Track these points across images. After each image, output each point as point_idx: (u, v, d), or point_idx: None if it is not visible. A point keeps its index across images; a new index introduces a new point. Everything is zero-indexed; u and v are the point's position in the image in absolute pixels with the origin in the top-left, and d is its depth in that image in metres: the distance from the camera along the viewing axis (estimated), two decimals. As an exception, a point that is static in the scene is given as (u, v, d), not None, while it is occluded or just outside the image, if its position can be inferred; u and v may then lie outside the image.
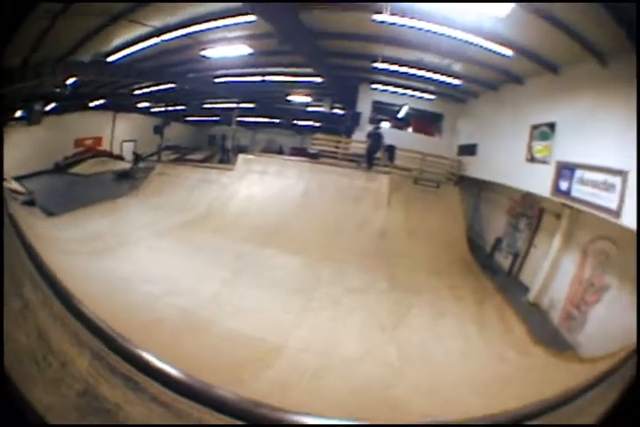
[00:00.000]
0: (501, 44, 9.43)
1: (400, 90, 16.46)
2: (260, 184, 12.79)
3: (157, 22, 10.70)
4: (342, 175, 13.09)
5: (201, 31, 11.06)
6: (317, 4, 9.12)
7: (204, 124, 25.93)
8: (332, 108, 20.31)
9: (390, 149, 14.91)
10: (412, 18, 8.86)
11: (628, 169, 7.21)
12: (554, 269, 10.21)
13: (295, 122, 24.36)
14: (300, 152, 19.07)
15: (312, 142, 17.04)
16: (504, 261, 12.94)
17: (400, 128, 18.47)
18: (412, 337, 7.44)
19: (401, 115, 19.28)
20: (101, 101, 18.84)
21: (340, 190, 12.56)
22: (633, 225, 6.86)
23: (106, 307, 3.20)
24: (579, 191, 8.74)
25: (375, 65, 13.01)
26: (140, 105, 21.05)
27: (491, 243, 13.94)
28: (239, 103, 21.00)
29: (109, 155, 19.46)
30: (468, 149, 15.33)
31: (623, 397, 1.32)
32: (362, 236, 11.50)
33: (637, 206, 2.55)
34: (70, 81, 14.41)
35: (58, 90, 14.59)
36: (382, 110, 18.75)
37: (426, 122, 18.60)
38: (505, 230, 13.67)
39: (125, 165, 18.21)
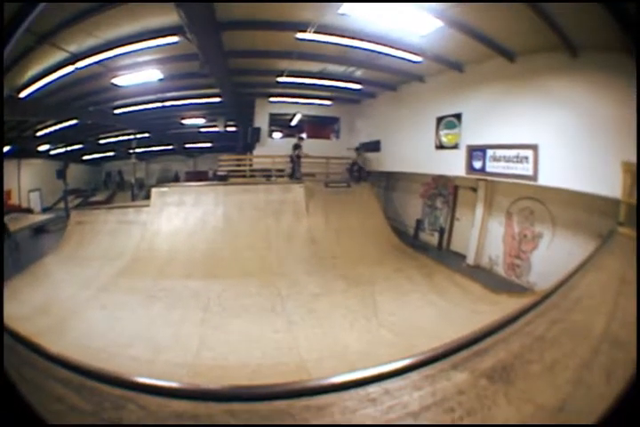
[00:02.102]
0: (412, 52, 10.19)
1: (297, 100, 17.03)
2: (180, 216, 12.40)
3: (75, 46, 9.99)
4: (256, 192, 13.21)
5: (119, 55, 10.59)
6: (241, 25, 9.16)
7: (99, 161, 24.70)
8: (227, 126, 20.43)
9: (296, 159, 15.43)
10: (333, 35, 9.33)
11: (537, 143, 9.14)
12: (483, 233, 12.12)
13: (186, 146, 23.97)
14: (197, 176, 19.02)
15: (219, 164, 16.86)
16: (431, 238, 14.76)
17: (293, 136, 18.72)
18: (392, 317, 8.28)
19: (294, 123, 19.90)
20: (8, 148, 17.16)
21: (259, 208, 12.71)
22: (550, 184, 8.92)
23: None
24: (492, 167, 10.55)
25: (280, 79, 13.44)
26: (41, 148, 19.42)
27: (413, 226, 15.60)
28: (136, 134, 20.11)
29: (18, 209, 17.74)
30: (372, 146, 16.50)
31: (623, 397, 1.32)
32: (295, 247, 11.88)
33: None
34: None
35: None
36: (276, 122, 19.12)
37: (319, 126, 19.49)
38: (423, 212, 15.53)
39: (37, 218, 16.71)
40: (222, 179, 15.56)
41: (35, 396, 1.57)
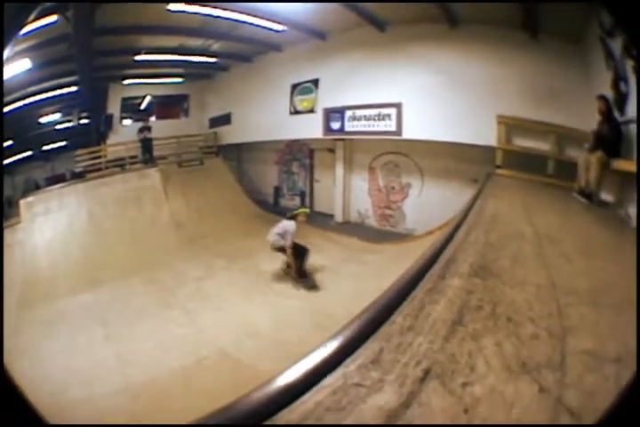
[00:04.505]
0: (275, 20, 10.18)
1: (150, 80, 16.18)
2: (50, 225, 11.30)
3: None
4: (114, 184, 12.61)
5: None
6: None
7: None
8: (80, 118, 18.59)
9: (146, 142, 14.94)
10: (208, 6, 9.11)
11: (401, 101, 9.97)
12: (347, 191, 12.87)
13: (44, 148, 21.75)
14: (56, 179, 17.34)
15: (76, 160, 15.33)
16: (292, 203, 14.95)
17: (143, 120, 17.31)
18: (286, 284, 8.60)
19: (143, 106, 18.64)
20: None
21: (119, 200, 12.15)
22: (415, 137, 9.90)
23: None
24: (352, 126, 11.18)
25: (137, 57, 12.69)
26: None
27: (272, 194, 15.86)
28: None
29: None
30: (222, 120, 16.31)
31: (623, 397, 1.30)
32: (163, 233, 11.65)
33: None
34: None
35: None
36: (128, 107, 17.76)
37: (168, 106, 18.66)
38: (280, 178, 15.84)
39: None
40: (79, 176, 14.45)
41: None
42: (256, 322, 6.95)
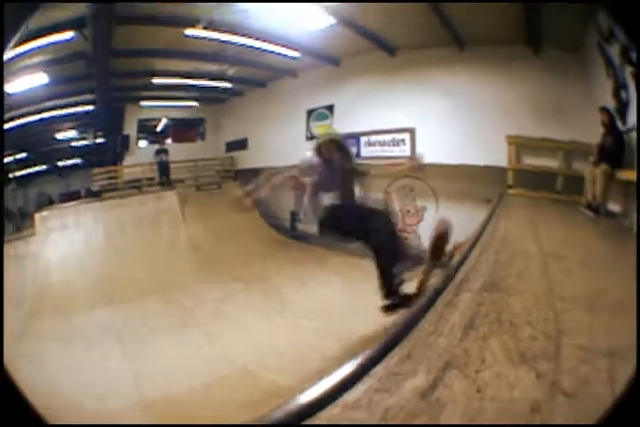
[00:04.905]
0: (290, 47, 10.57)
1: (165, 102, 16.62)
2: (66, 240, 11.49)
3: None
4: (131, 205, 12.84)
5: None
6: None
7: None
8: (96, 137, 18.85)
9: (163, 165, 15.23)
10: (224, 31, 9.48)
11: (414, 126, 10.41)
12: None
13: (59, 164, 22.13)
14: (70, 196, 17.70)
15: (93, 179, 15.89)
16: (309, 227, 14.91)
17: (159, 142, 17.60)
18: (303, 305, 8.67)
19: (160, 128, 18.98)
20: None
21: (137, 221, 12.31)
22: (430, 162, 9.57)
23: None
24: (368, 151, 11.50)
25: (154, 80, 13.24)
26: None
27: (288, 218, 15.66)
28: (14, 154, 17.84)
29: None
30: (239, 144, 16.69)
31: (623, 397, 1.34)
32: (180, 256, 11.77)
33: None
34: None
35: None
36: (145, 128, 18.16)
37: (184, 129, 18.96)
38: (296, 203, 15.61)
39: None
40: (95, 194, 14.82)
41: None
42: (275, 341, 7.04)
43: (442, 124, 9.87)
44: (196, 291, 9.90)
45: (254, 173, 16.07)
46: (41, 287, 10.25)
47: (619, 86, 5.82)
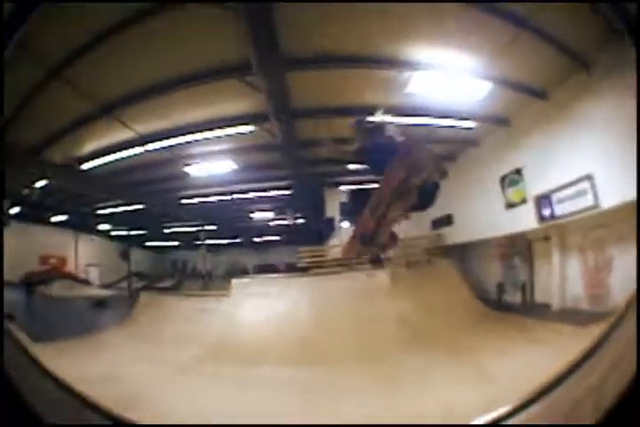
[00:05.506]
0: (467, 118, 11.07)
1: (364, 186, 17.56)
2: (265, 306, 12.46)
3: (142, 126, 10.10)
4: (339, 280, 13.55)
5: (191, 143, 10.89)
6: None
7: (162, 249, 25.59)
8: (296, 218, 21.52)
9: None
10: (400, 115, 10.15)
11: (591, 172, 10.02)
12: (564, 278, 12.11)
13: (255, 239, 25.05)
14: (266, 268, 19.67)
15: (299, 257, 17.71)
16: (514, 297, 14.46)
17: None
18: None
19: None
20: (64, 217, 18.33)
21: (346, 295, 12.78)
22: (613, 204, 9.44)
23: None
24: (560, 209, 11.26)
25: (352, 166, 14.24)
26: (101, 227, 20.24)
27: (494, 291, 15.49)
28: (203, 225, 21.19)
29: (74, 278, 18.58)
30: (444, 221, 17.18)
31: (623, 397, 1.33)
32: (387, 328, 11.80)
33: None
34: (40, 184, 12.97)
35: (25, 191, 13.07)
36: (345, 211, 19.34)
37: None
38: (503, 274, 15.42)
39: (97, 292, 17.69)
40: (303, 270, 16.48)
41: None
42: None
43: (610, 159, 9.32)
44: (399, 360, 9.86)
45: (461, 246, 16.54)
46: (224, 339, 11.36)
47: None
